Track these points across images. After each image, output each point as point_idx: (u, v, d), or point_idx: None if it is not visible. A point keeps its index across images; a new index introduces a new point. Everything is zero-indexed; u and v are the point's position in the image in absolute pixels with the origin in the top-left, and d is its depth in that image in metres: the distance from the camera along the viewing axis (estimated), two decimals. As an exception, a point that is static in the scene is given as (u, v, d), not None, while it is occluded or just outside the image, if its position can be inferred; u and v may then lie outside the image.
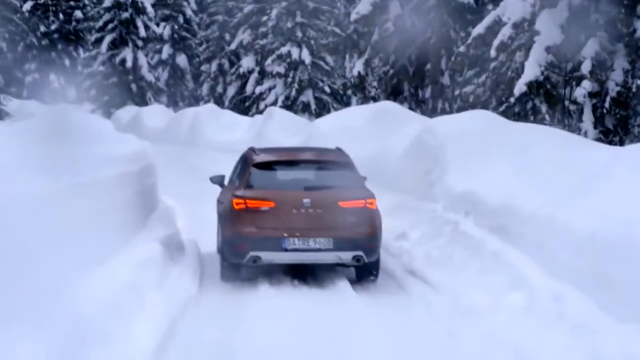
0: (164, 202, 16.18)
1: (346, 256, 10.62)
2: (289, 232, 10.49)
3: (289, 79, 39.44)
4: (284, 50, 39.25)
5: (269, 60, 39.74)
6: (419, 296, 10.24)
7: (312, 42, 38.78)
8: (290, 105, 39.17)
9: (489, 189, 12.48)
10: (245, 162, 11.65)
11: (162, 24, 52.20)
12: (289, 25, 38.95)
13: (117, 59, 46.10)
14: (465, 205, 12.76)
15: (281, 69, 39.64)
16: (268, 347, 7.96)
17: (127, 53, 46.08)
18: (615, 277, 7.58)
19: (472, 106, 25.99)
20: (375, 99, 28.30)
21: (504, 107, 19.96)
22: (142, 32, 46.57)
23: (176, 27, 52.11)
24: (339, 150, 12.28)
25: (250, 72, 42.83)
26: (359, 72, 28.62)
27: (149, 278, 9.30)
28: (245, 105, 42.46)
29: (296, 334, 8.41)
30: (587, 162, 10.43)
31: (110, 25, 46.48)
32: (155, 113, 40.03)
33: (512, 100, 19.80)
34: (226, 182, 12.53)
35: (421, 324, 8.97)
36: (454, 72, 29.82)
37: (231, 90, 45.23)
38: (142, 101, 46.22)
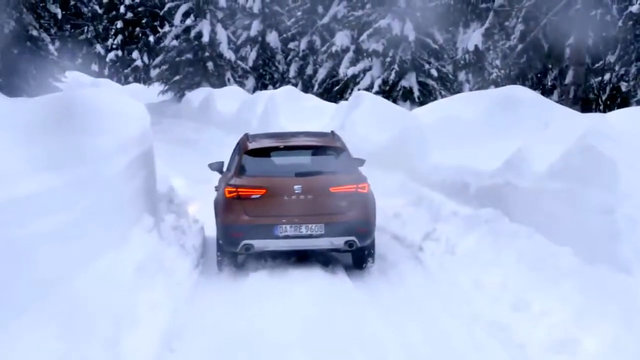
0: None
1: (338, 241, 10.68)
2: (280, 219, 10.56)
3: (388, 59, 32.44)
4: (382, 23, 32.24)
5: (364, 36, 32.87)
6: None
7: (418, 13, 31.67)
8: (388, 90, 32.29)
9: None
10: (239, 150, 11.66)
11: (252, -4, 46.11)
12: (390, -9, 32.01)
13: (192, 33, 40.09)
14: None
15: (379, 46, 32.66)
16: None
17: (203, 26, 39.99)
18: None
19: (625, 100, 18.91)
20: (496, 84, 21.40)
21: None
22: (222, 2, 40.40)
23: (267, 0, 45.87)
24: (332, 134, 12.24)
25: (345, 51, 36.13)
26: (476, 47, 21.63)
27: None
28: (335, 89, 35.87)
29: None
30: None
31: (186, -7, 40.55)
32: (229, 96, 33.88)
33: None
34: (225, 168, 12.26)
35: None
36: (601, 52, 22.60)
37: (322, 72, 38.57)
38: (219, 82, 40.15)
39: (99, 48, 60.82)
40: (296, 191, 10.57)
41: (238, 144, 12.06)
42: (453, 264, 10.54)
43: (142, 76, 58.32)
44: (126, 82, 58.11)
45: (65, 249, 7.22)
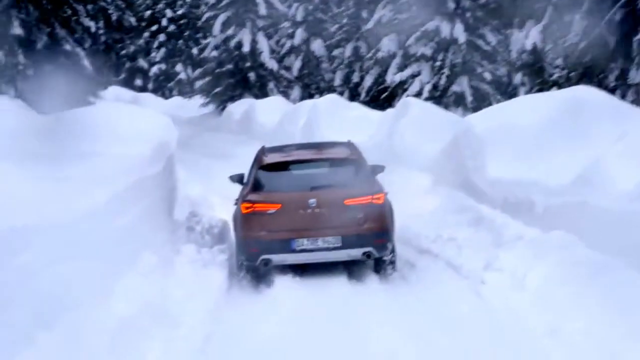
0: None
1: (355, 253, 10.69)
2: (297, 233, 10.57)
3: (438, 63, 30.59)
4: (430, 25, 30.42)
5: (411, 39, 31.04)
6: None
7: (468, 14, 29.77)
8: (439, 96, 30.44)
9: None
10: (255, 163, 11.61)
11: (295, 5, 44.52)
12: (438, -8, 30.11)
13: (232, 43, 38.65)
14: None
15: (427, 50, 30.85)
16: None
17: (243, 35, 38.58)
18: None
19: None
20: (558, 85, 19.46)
21: None
22: (263, 10, 38.89)
23: (311, 7, 44.26)
24: (348, 144, 12.16)
25: (392, 56, 34.36)
26: (534, 45, 19.69)
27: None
28: (383, 97, 34.06)
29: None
30: None
31: (224, 2, 39.03)
32: (271, 107, 32.40)
33: None
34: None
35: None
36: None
37: (368, 79, 36.80)
38: (262, 93, 38.67)
39: (142, 62, 59.86)
40: (311, 205, 10.59)
41: (255, 157, 11.97)
42: (522, 302, 8.73)
43: (187, 89, 57.18)
44: (170, 96, 57.08)
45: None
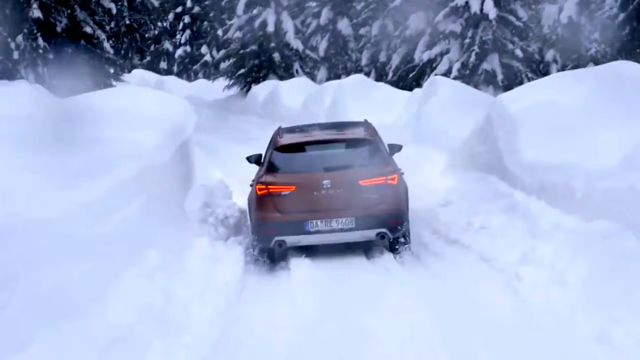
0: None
1: (369, 234, 10.69)
2: (311, 214, 10.56)
3: (467, 40, 29.60)
4: (459, 1, 29.47)
5: (440, 16, 30.08)
6: None
7: (499, -12, 28.78)
8: (469, 75, 29.47)
9: None
10: (271, 144, 11.63)
11: (322, -18, 43.62)
12: (466, -35, 29.11)
13: (257, 23, 37.82)
14: None
15: (457, 26, 29.89)
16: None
17: (268, 15, 37.72)
18: None
19: None
20: (595, 61, 18.49)
21: None
22: (286, -12, 38.15)
23: (337, -14, 43.35)
24: (364, 124, 12.08)
25: (419, 34, 33.43)
26: (569, 18, 18.71)
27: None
28: (411, 76, 33.13)
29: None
30: None
31: (248, -19, 38.33)
32: (296, 88, 31.63)
33: None
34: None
35: None
36: None
37: (396, 58, 35.90)
38: (287, 74, 37.86)
39: (166, 45, 59.26)
40: (325, 186, 10.56)
41: (271, 137, 11.93)
42: (564, 301, 7.87)
43: (212, 71, 56.54)
44: (195, 79, 56.47)
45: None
